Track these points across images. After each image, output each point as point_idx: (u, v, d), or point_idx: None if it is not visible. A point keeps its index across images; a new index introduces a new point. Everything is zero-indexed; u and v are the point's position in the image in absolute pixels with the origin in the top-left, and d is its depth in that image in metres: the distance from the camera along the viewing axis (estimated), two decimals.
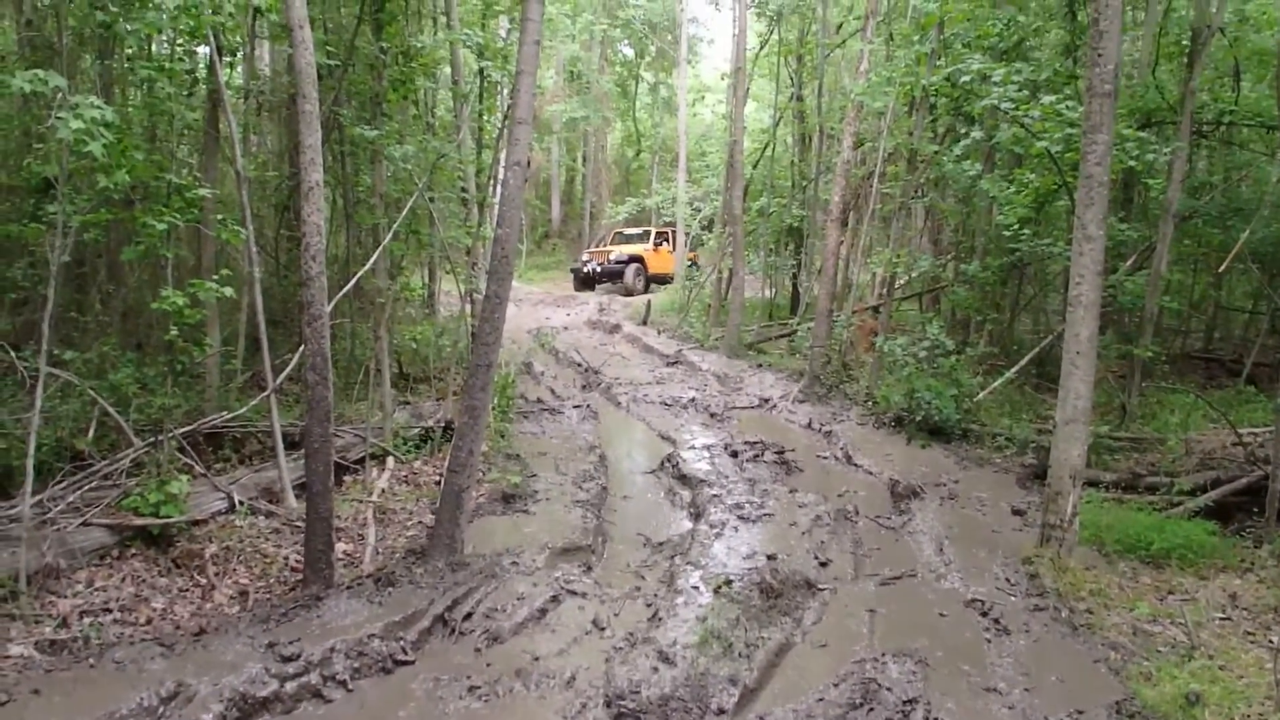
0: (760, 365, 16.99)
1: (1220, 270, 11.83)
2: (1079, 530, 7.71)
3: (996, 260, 13.52)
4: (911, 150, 14.46)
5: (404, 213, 9.69)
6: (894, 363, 13.25)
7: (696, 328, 20.74)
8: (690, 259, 29.17)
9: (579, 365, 16.82)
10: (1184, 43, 12.43)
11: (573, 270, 30.76)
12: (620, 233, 32.44)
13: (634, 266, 29.16)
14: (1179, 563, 7.60)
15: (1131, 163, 10.28)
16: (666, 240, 31.31)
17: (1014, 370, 12.70)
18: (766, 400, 14.23)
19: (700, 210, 29.18)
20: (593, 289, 29.68)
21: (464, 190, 11.46)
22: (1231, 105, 12.76)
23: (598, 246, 32.16)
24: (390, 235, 9.56)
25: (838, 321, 15.33)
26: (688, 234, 29.61)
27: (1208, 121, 13.06)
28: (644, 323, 22.50)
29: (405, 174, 10.28)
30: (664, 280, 30.34)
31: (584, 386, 15.23)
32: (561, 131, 38.02)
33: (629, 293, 28.45)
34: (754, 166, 23.33)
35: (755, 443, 11.31)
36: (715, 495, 9.30)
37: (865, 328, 16.37)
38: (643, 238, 31.12)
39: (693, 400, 14.11)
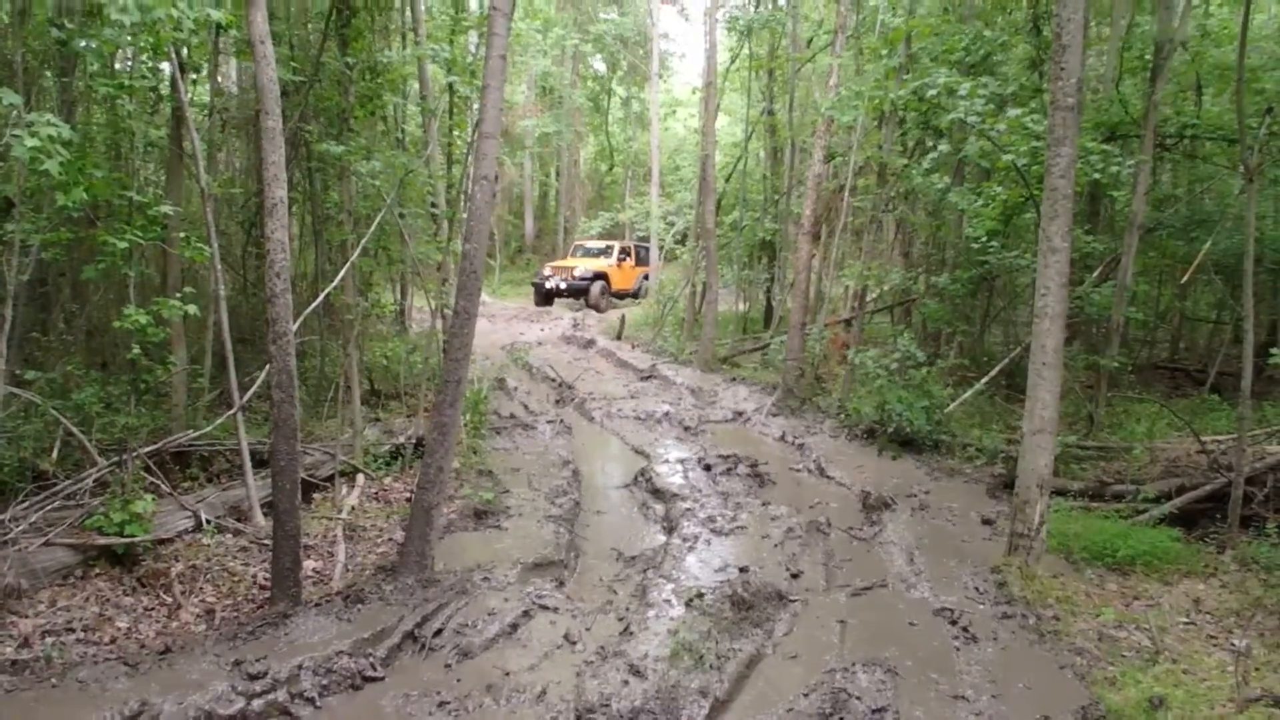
0: (734, 379, 17.09)
1: (1184, 281, 11.99)
2: (1047, 539, 7.81)
3: (966, 273, 13.64)
4: (881, 164, 14.62)
5: (373, 228, 9.70)
6: (866, 375, 13.33)
7: (671, 342, 20.80)
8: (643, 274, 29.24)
9: (553, 380, 16.83)
10: (1147, 57, 12.59)
11: (533, 284, 30.51)
12: (582, 246, 32.17)
13: (599, 284, 29.00)
14: (1144, 569, 7.71)
15: (1096, 175, 10.38)
16: (629, 256, 31.27)
17: (984, 381, 12.83)
18: (740, 414, 14.32)
19: (674, 224, 29.27)
20: (551, 304, 29.51)
21: (434, 205, 11.48)
22: (1194, 119, 12.93)
23: (560, 261, 31.96)
24: (359, 251, 9.57)
25: (810, 335, 15.43)
26: (661, 248, 29.67)
27: (1171, 135, 13.21)
28: (618, 337, 22.53)
29: (374, 190, 10.29)
30: (623, 296, 30.32)
31: (558, 402, 15.26)
32: (534, 146, 38.09)
33: (596, 309, 28.39)
34: (726, 180, 23.48)
35: (729, 456, 11.37)
36: (688, 509, 9.35)
37: (838, 341, 16.47)
38: (606, 253, 31.00)
39: (667, 414, 14.17)
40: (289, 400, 6.38)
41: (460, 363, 7.05)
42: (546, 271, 29.93)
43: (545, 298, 29.40)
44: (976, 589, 7.43)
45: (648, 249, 31.16)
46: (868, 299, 16.66)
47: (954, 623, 6.75)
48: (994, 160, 11.64)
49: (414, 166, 10.27)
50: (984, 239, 12.50)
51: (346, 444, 9.76)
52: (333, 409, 10.41)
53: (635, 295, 30.90)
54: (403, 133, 13.92)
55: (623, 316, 24.02)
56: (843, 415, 13.39)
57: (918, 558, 8.15)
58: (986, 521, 9.24)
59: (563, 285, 28.85)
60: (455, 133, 12.47)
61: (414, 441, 10.40)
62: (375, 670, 5.73)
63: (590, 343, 21.80)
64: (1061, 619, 6.75)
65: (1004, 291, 14.80)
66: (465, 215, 8.22)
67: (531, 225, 41.58)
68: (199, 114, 10.92)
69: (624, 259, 30.90)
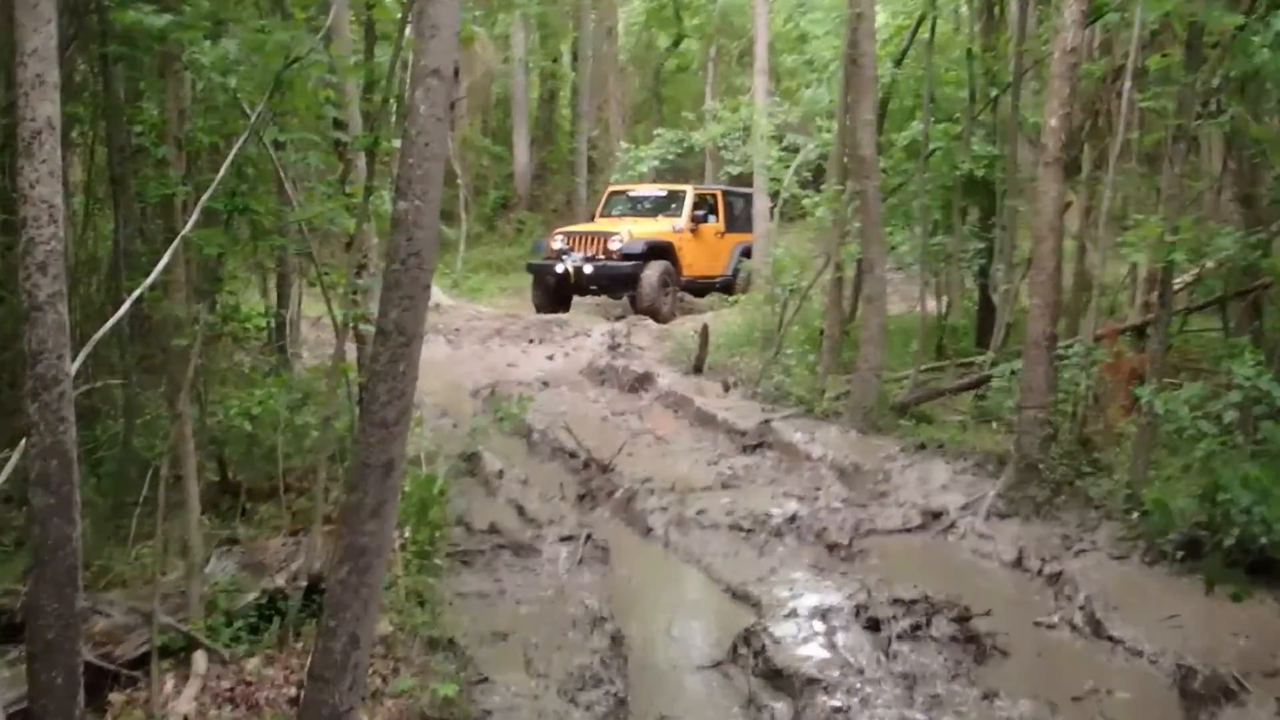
0: (922, 446, 16.94)
1: None
2: None
3: None
4: (1194, 27, 14.37)
5: (222, 172, 9.62)
6: (1178, 434, 13.10)
7: (798, 377, 20.75)
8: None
9: (572, 456, 16.92)
10: None
11: (532, 269, 30.75)
12: (624, 194, 32.20)
13: (659, 265, 29.06)
14: None
15: None
16: (713, 211, 31.21)
17: None
18: (936, 515, 14.26)
19: (798, 149, 29.11)
20: (567, 306, 29.76)
21: (339, 125, 11.45)
22: None
23: (582, 223, 31.84)
24: (197, 216, 9.49)
25: (1068, 358, 15.19)
26: (774, 196, 29.46)
27: None
28: (697, 370, 22.58)
29: (227, 97, 10.23)
30: (706, 289, 30.18)
31: (582, 498, 15.31)
32: (529, 4, 38.23)
33: (653, 314, 28.38)
34: (897, 64, 23.37)
35: (914, 601, 11.21)
36: (839, 709, 9.22)
37: (1122, 368, 16.23)
38: (670, 206, 30.95)
39: (793, 520, 14.14)
40: (62, 509, 6.28)
41: (393, 429, 6.90)
42: (558, 243, 29.87)
43: (555, 294, 29.48)
44: None
45: (748, 198, 31.14)
46: (1174, 285, 16.43)
47: None
48: None
49: (303, 52, 10.21)
50: None
51: (174, 591, 9.66)
52: (149, 521, 10.34)
53: (727, 288, 30.77)
54: None
55: (703, 329, 23.96)
56: (1135, 514, 13.12)
57: None
58: None
59: (588, 269, 28.77)
60: None
61: (303, 585, 10.29)
62: None
63: (644, 380, 21.98)
64: None
65: None
66: (400, 144, 8.13)
67: (527, 156, 41.91)
68: None
69: (704, 217, 30.88)
